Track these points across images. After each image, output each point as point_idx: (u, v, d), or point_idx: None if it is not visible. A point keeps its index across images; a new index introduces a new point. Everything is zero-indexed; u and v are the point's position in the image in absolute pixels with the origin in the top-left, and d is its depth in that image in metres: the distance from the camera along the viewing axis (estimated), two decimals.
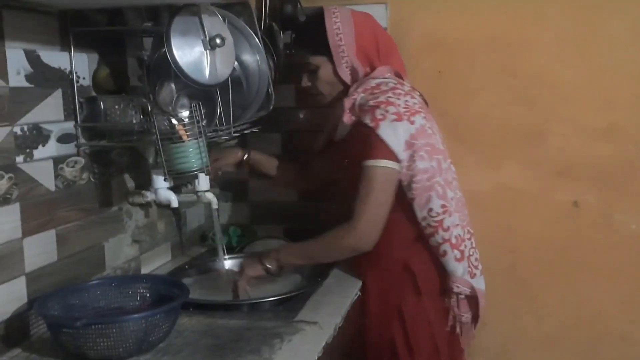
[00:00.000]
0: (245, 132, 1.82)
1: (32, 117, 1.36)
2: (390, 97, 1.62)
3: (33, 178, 1.37)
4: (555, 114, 2.00)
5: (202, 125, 1.45)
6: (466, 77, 2.03)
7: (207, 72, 1.43)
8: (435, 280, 1.69)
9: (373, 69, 1.73)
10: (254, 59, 1.73)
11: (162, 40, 1.39)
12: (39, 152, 1.39)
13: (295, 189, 2.14)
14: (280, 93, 1.96)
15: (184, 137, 1.41)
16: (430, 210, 1.62)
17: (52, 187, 1.42)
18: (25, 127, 1.35)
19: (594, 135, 1.98)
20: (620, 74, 1.95)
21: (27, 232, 1.35)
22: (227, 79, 1.54)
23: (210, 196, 1.68)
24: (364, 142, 1.61)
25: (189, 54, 1.40)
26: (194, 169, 1.44)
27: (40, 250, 1.39)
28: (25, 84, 1.35)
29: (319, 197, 2.11)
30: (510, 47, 1.99)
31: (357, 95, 1.68)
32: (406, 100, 1.63)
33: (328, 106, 1.81)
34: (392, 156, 1.58)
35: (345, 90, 1.74)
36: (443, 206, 1.63)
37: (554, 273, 2.05)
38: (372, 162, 1.59)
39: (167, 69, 1.44)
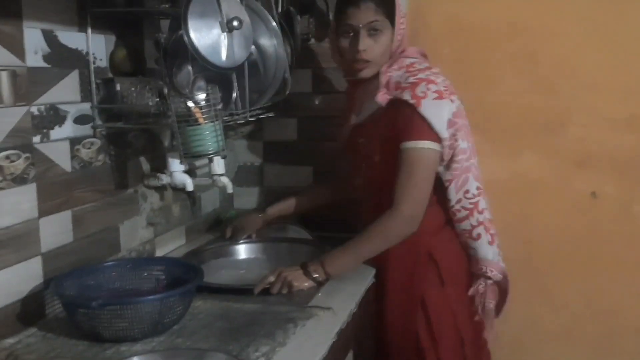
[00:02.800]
0: (261, 116, 1.81)
1: (49, 97, 1.36)
2: (429, 75, 1.59)
3: (49, 158, 1.37)
4: (576, 103, 1.97)
5: (219, 109, 1.44)
6: (486, 64, 2.00)
7: (224, 55, 1.42)
8: (459, 269, 1.67)
9: (403, 48, 1.68)
10: (271, 43, 1.72)
11: (179, 22, 1.38)
12: (56, 133, 1.39)
13: (334, 203, 1.97)
14: (297, 78, 1.94)
15: (200, 120, 1.40)
16: (467, 192, 1.61)
17: (69, 168, 1.43)
18: (42, 108, 1.35)
19: (615, 126, 1.95)
20: None
21: (43, 212, 1.35)
22: (244, 63, 1.53)
23: (225, 180, 1.67)
24: (404, 121, 1.56)
25: (207, 36, 1.39)
26: (210, 151, 1.43)
27: (56, 230, 1.39)
28: (43, 64, 1.35)
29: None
30: (531, 34, 1.96)
31: (393, 72, 1.62)
32: (443, 80, 1.60)
33: (359, 82, 1.70)
34: (434, 136, 1.55)
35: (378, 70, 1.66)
36: (478, 188, 1.62)
37: (570, 264, 2.03)
38: (412, 144, 1.55)
39: (184, 52, 1.43)
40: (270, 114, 1.85)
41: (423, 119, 1.53)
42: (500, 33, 1.97)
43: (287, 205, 1.94)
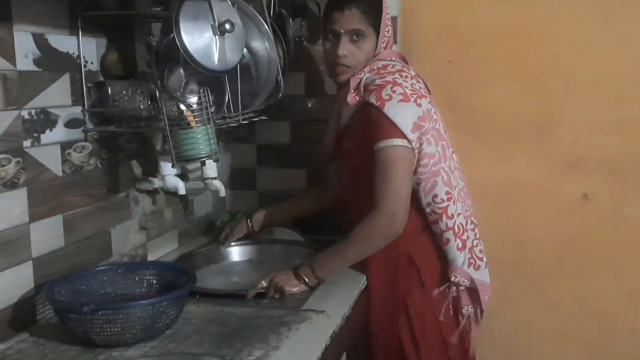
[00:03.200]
0: (254, 119, 1.81)
1: (40, 101, 1.35)
2: (397, 77, 1.59)
3: (40, 163, 1.36)
4: (566, 106, 1.97)
5: (211, 112, 1.43)
6: (477, 67, 2.01)
7: (216, 58, 1.41)
8: (439, 273, 1.67)
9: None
10: (263, 46, 1.72)
11: (171, 26, 1.38)
12: (47, 137, 1.38)
13: (322, 209, 1.96)
14: (290, 81, 1.94)
15: (193, 123, 1.40)
16: (435, 196, 1.60)
17: (60, 172, 1.42)
18: (33, 112, 1.34)
19: (606, 128, 1.96)
20: (633, 66, 1.93)
21: (34, 216, 1.34)
22: (236, 66, 1.52)
23: (217, 184, 1.67)
24: (373, 123, 1.57)
25: (198, 39, 1.38)
26: (202, 155, 1.43)
27: (48, 235, 1.38)
28: (34, 67, 1.34)
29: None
30: (522, 37, 1.97)
31: (363, 75, 1.64)
32: (412, 83, 1.60)
33: (340, 85, 1.72)
34: (403, 135, 1.54)
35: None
36: (448, 193, 1.61)
37: (562, 266, 2.04)
38: (384, 143, 1.55)
39: (176, 55, 1.42)
40: (264, 117, 1.85)
41: (389, 119, 1.54)
42: (491, 37, 1.98)
43: (275, 214, 1.94)
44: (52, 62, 1.39)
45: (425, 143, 1.57)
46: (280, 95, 1.79)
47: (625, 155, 1.96)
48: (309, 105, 2.08)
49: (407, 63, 1.73)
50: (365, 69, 1.65)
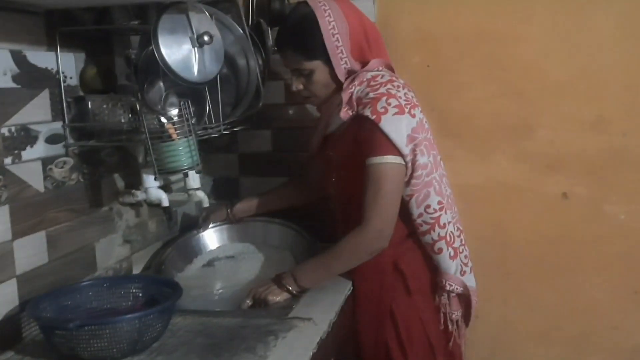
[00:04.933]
0: (235, 129, 1.81)
1: (19, 118, 1.35)
2: (390, 89, 1.58)
3: (22, 179, 1.36)
4: (543, 107, 2.00)
5: (192, 123, 1.44)
6: (455, 71, 2.03)
7: (195, 69, 1.42)
8: (425, 279, 1.68)
9: (364, 61, 1.66)
10: (242, 55, 1.73)
11: (149, 39, 1.38)
12: (28, 153, 1.37)
13: (304, 203, 1.97)
14: (270, 90, 1.95)
15: (174, 136, 1.40)
16: (428, 207, 1.60)
17: (42, 188, 1.41)
18: (13, 129, 1.33)
19: (583, 128, 1.99)
20: (608, 66, 1.96)
21: (17, 234, 1.34)
22: (216, 77, 1.53)
23: (201, 194, 1.67)
24: (367, 137, 1.56)
25: (177, 52, 1.39)
26: (185, 167, 1.43)
27: (31, 252, 1.38)
28: (12, 84, 1.33)
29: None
30: (498, 40, 1.99)
31: (354, 89, 1.61)
32: (405, 93, 1.60)
33: (320, 105, 1.75)
34: (396, 151, 1.54)
35: (339, 87, 1.65)
36: (440, 202, 1.61)
37: (544, 265, 2.06)
38: (377, 160, 1.54)
39: (155, 68, 1.43)
40: (245, 127, 1.86)
41: (384, 134, 1.53)
42: (467, 40, 2.00)
43: (257, 204, 1.94)
44: (31, 78, 1.39)
45: (418, 154, 1.57)
46: (260, 104, 1.80)
47: (603, 153, 1.98)
48: (290, 113, 2.09)
49: (393, 71, 1.73)
50: (355, 82, 1.62)
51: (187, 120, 1.43)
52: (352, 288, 1.68)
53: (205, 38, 1.40)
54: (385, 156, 1.54)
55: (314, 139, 1.81)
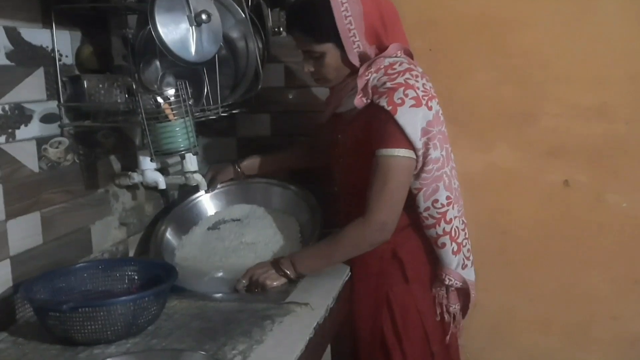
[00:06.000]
0: (234, 112, 1.79)
1: (13, 96, 1.32)
2: (408, 78, 1.51)
3: (16, 159, 1.33)
4: (546, 93, 1.98)
5: (189, 104, 1.41)
6: (457, 56, 2.00)
7: (193, 49, 1.40)
8: (424, 269, 1.66)
9: (381, 46, 1.58)
10: (241, 37, 1.70)
11: (146, 18, 1.36)
12: (22, 133, 1.35)
13: (311, 165, 1.94)
14: (269, 73, 1.92)
15: (170, 116, 1.38)
16: (436, 201, 1.56)
17: (36, 169, 1.39)
18: (7, 107, 1.31)
19: (586, 115, 1.97)
20: (612, 53, 1.93)
21: (10, 214, 1.32)
22: (214, 58, 1.51)
23: (198, 177, 1.66)
24: (380, 127, 1.51)
25: (174, 31, 1.37)
26: (181, 148, 1.41)
27: (25, 233, 1.36)
28: (6, 62, 1.31)
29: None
30: (501, 26, 1.97)
31: (370, 76, 1.54)
32: (424, 84, 1.53)
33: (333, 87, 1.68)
34: (409, 145, 1.49)
35: (353, 71, 1.59)
36: (448, 197, 1.57)
37: (544, 253, 2.05)
38: (388, 152, 1.50)
39: (152, 47, 1.41)
40: (243, 110, 1.83)
41: (399, 126, 1.48)
42: (471, 25, 1.98)
43: (263, 161, 1.91)
44: (26, 56, 1.36)
45: (431, 148, 1.52)
46: (259, 87, 1.78)
47: (606, 141, 1.97)
48: (289, 97, 2.06)
49: (412, 57, 1.65)
50: (372, 68, 1.55)
51: (184, 100, 1.40)
52: (350, 274, 1.66)
53: (203, 17, 1.38)
54: (396, 149, 1.50)
55: (325, 112, 1.74)
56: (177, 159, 1.76)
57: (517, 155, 2.02)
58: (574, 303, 2.05)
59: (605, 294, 2.03)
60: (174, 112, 1.38)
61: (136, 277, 1.42)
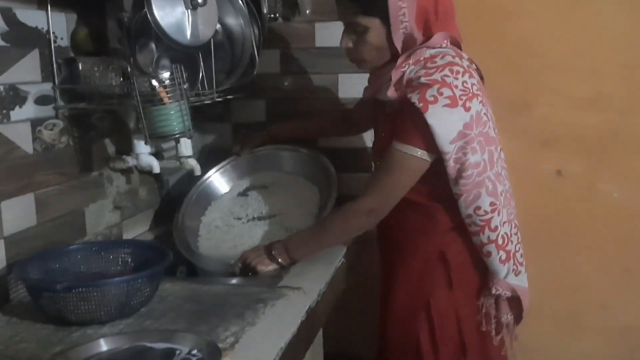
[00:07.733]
0: (229, 97, 1.79)
1: (8, 77, 1.32)
2: (446, 75, 1.39)
3: (10, 140, 1.33)
4: (541, 83, 1.99)
5: (184, 88, 1.41)
6: None
7: (188, 33, 1.39)
8: (470, 274, 1.56)
9: (429, 34, 1.46)
10: (237, 22, 1.70)
11: (142, 0, 1.36)
12: (16, 114, 1.35)
13: (342, 134, 1.98)
14: (265, 58, 1.92)
15: (165, 99, 1.38)
16: (478, 208, 1.45)
17: (30, 150, 1.39)
18: (2, 87, 1.31)
19: (580, 105, 1.98)
20: (607, 43, 1.94)
21: (4, 195, 1.32)
22: (210, 42, 1.50)
23: (193, 162, 1.66)
24: (405, 121, 1.42)
25: (170, 14, 1.36)
26: (176, 132, 1.41)
27: (19, 214, 1.36)
28: (1, 42, 1.31)
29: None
30: (496, 14, 1.97)
31: (407, 67, 1.44)
32: (464, 81, 1.40)
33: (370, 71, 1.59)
34: (432, 147, 1.40)
35: (392, 58, 1.48)
36: (492, 204, 1.46)
37: (537, 243, 2.05)
38: (405, 148, 1.42)
39: (147, 30, 1.40)
40: (239, 95, 1.83)
41: (426, 125, 1.38)
42: (465, 13, 1.96)
43: (294, 127, 1.93)
44: (21, 37, 1.36)
45: (469, 152, 1.41)
46: (255, 72, 1.78)
47: (599, 131, 1.98)
48: (285, 84, 2.07)
49: (460, 47, 1.54)
50: (410, 60, 1.44)
51: (180, 84, 1.40)
52: (343, 260, 1.67)
53: (199, 0, 1.38)
54: (414, 148, 1.42)
55: (366, 91, 1.66)
56: (171, 143, 1.76)
57: (510, 145, 2.01)
58: (564, 292, 2.07)
59: (595, 283, 2.05)
60: (169, 95, 1.38)
61: (130, 260, 1.42)
